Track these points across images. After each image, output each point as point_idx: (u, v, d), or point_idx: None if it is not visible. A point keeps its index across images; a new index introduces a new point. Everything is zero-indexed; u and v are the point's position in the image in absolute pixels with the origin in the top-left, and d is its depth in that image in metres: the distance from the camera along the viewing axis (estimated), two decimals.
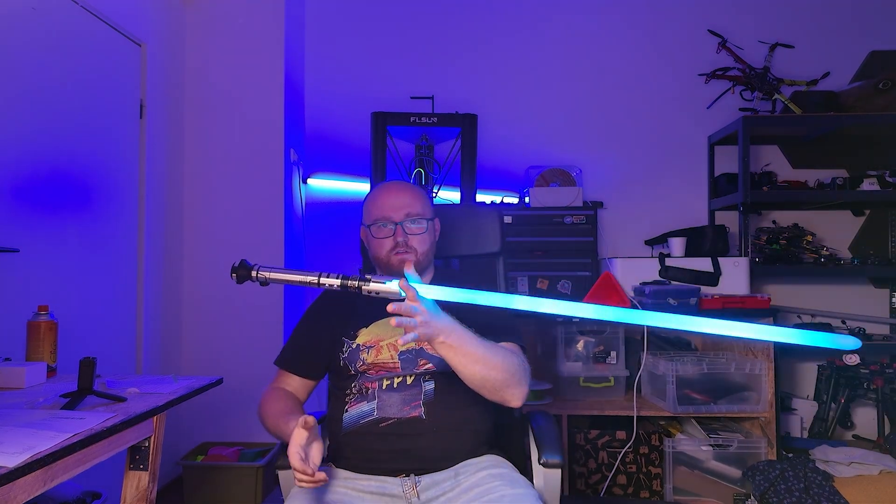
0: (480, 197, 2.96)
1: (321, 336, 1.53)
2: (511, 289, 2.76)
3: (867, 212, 3.11)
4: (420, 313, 1.16)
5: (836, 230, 3.08)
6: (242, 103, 2.85)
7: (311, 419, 1.18)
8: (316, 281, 1.19)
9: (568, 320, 2.58)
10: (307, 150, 3.19)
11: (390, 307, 1.14)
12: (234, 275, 1.19)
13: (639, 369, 2.55)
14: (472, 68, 3.20)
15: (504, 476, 1.32)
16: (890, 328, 2.97)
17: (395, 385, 1.41)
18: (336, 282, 1.19)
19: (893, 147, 3.00)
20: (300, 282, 1.20)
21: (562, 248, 2.84)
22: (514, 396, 1.31)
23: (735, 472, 2.44)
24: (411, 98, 3.04)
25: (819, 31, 3.15)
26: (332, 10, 3.23)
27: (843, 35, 3.14)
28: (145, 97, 2.53)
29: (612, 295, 2.49)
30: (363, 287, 1.18)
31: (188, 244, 2.85)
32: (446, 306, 1.29)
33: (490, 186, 3.09)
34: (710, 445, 2.48)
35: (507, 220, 2.84)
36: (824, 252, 2.89)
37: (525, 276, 2.83)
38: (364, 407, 1.40)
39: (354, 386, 1.44)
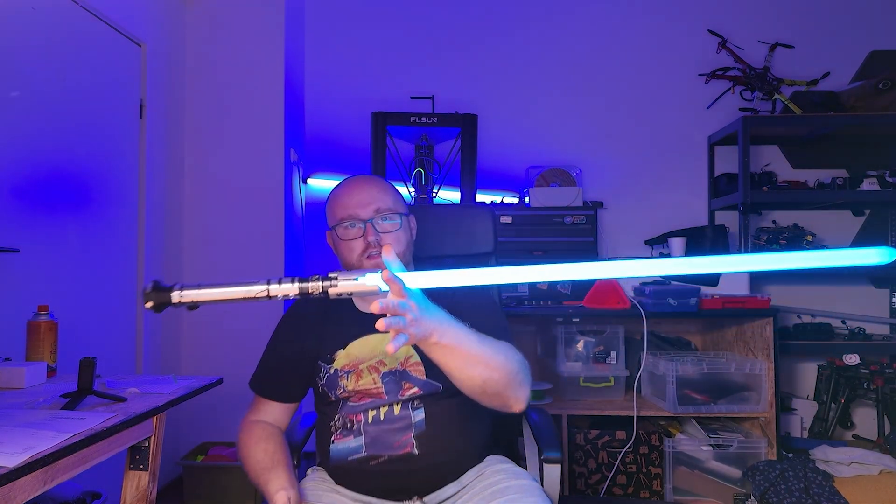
0: (480, 197, 2.96)
1: (294, 360, 1.37)
2: (508, 289, 2.77)
3: (867, 212, 3.11)
4: (409, 309, 0.95)
5: (837, 230, 3.08)
6: (242, 103, 2.85)
7: (292, 499, 1.15)
8: (265, 292, 0.89)
9: (568, 320, 2.58)
10: (307, 150, 3.19)
11: (375, 305, 0.90)
12: (148, 303, 0.91)
13: (639, 369, 2.55)
14: (472, 68, 3.19)
15: (507, 470, 1.29)
16: (890, 328, 2.97)
17: (381, 417, 1.29)
18: (293, 288, 0.90)
19: (893, 147, 3.00)
20: (244, 297, 0.89)
21: (562, 248, 2.84)
22: (518, 399, 1.18)
23: (735, 473, 2.44)
24: (411, 98, 3.04)
25: (819, 31, 3.15)
26: (332, 9, 3.23)
27: (843, 35, 3.14)
28: (145, 97, 2.53)
29: (612, 295, 2.49)
30: (330, 290, 0.90)
31: (188, 244, 2.85)
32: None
33: (490, 186, 3.09)
34: (710, 445, 2.48)
35: (507, 220, 2.84)
36: None
37: None
38: (351, 443, 1.30)
39: (338, 418, 1.32)
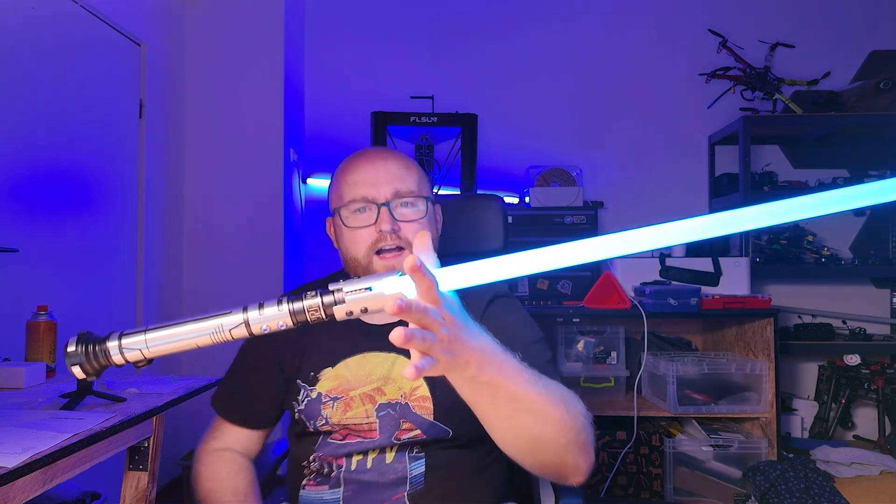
0: None
1: (268, 378, 1.12)
2: (511, 290, 2.76)
3: (868, 212, 3.10)
4: (442, 322, 0.63)
5: (837, 230, 3.08)
6: (242, 103, 2.85)
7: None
8: (242, 326, 0.63)
9: (568, 320, 2.58)
10: (307, 149, 3.19)
11: (393, 304, 0.58)
12: (74, 368, 0.66)
13: (639, 370, 2.54)
14: (472, 68, 3.19)
15: None
16: (891, 328, 2.96)
17: (369, 464, 1.03)
18: (280, 314, 0.63)
19: (894, 147, 3.00)
20: (216, 340, 0.64)
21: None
22: (578, 469, 0.84)
23: (735, 473, 2.44)
24: (411, 98, 3.04)
25: (820, 31, 3.15)
26: (332, 9, 3.22)
27: (844, 35, 3.14)
28: (145, 97, 2.53)
29: (612, 295, 2.49)
30: (336, 311, 0.62)
31: (188, 244, 2.85)
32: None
33: (490, 186, 3.09)
34: (711, 446, 2.47)
35: (507, 219, 2.83)
36: (825, 252, 2.89)
37: (525, 277, 2.82)
38: (326, 495, 1.04)
39: (314, 459, 1.06)
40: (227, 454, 1.12)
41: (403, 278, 0.61)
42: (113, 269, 2.35)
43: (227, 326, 0.63)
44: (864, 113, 2.80)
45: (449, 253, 1.38)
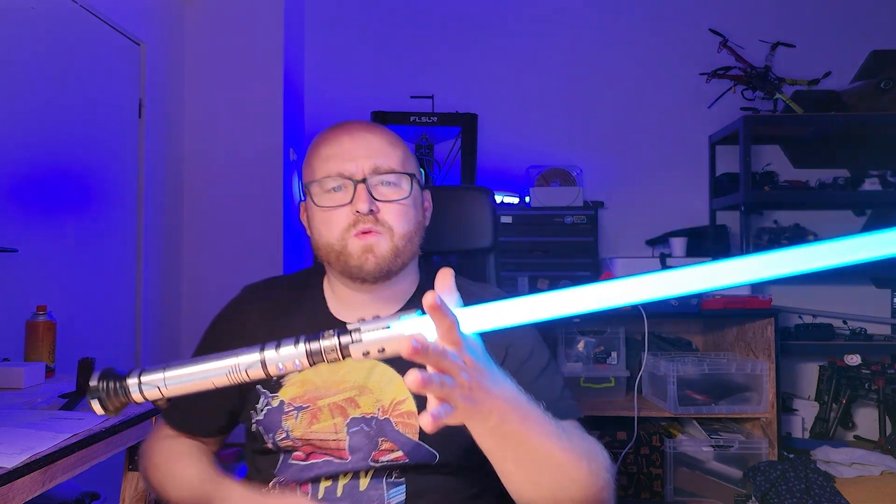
0: None
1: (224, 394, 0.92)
2: (507, 288, 2.76)
3: (869, 211, 3.10)
4: (463, 367, 0.59)
5: (838, 230, 3.06)
6: (242, 103, 2.85)
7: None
8: (259, 366, 0.62)
9: (569, 320, 2.58)
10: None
11: (407, 345, 0.55)
12: (94, 402, 0.63)
13: (639, 370, 2.54)
14: (472, 68, 3.19)
15: None
16: (891, 328, 2.96)
17: (338, 492, 0.89)
18: (297, 353, 0.61)
19: (894, 147, 3.00)
20: (233, 381, 0.63)
21: (562, 248, 2.83)
22: None
23: (736, 473, 2.44)
24: (411, 97, 3.03)
25: (820, 31, 3.14)
26: (332, 9, 3.22)
27: (845, 34, 3.14)
28: (144, 96, 2.52)
29: None
30: (353, 349, 0.60)
31: (187, 244, 2.84)
32: None
33: (490, 186, 3.07)
34: (711, 446, 2.47)
35: (507, 220, 2.83)
36: None
37: (525, 276, 2.82)
38: None
39: (273, 486, 0.92)
40: (176, 440, 1.00)
41: (425, 318, 0.58)
42: (112, 269, 2.35)
43: (243, 366, 0.62)
44: (864, 113, 2.80)
45: (432, 250, 1.29)
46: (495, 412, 0.64)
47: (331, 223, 0.91)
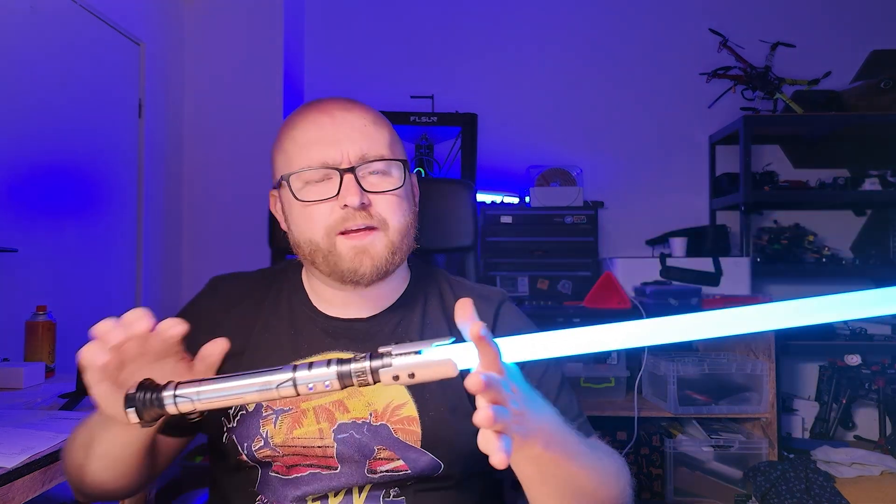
0: (481, 196, 2.96)
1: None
2: (508, 288, 2.76)
3: (868, 212, 3.10)
4: (512, 396, 0.58)
5: (838, 230, 3.07)
6: (241, 102, 2.85)
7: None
8: (290, 385, 0.60)
9: (569, 320, 2.58)
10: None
11: (477, 382, 0.53)
12: (130, 410, 0.63)
13: (639, 370, 2.54)
14: (472, 68, 3.19)
15: None
16: (891, 328, 2.96)
17: None
18: (328, 375, 0.60)
19: (895, 147, 3.00)
20: (264, 398, 0.62)
21: (562, 248, 2.83)
22: None
23: (736, 473, 2.43)
24: (411, 97, 3.03)
25: (820, 31, 3.14)
26: (332, 9, 3.22)
27: (845, 34, 3.14)
28: (144, 96, 2.52)
29: (612, 295, 2.49)
30: (382, 374, 0.59)
31: (187, 243, 2.84)
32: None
33: (490, 186, 3.09)
34: (711, 446, 2.47)
35: (507, 220, 2.83)
36: (826, 252, 2.88)
37: (525, 276, 2.82)
38: None
39: None
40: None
41: (455, 345, 0.57)
42: (112, 269, 2.35)
43: (274, 383, 0.61)
44: (864, 113, 2.80)
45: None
46: (540, 439, 0.62)
47: (314, 219, 0.81)
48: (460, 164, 2.76)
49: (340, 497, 0.80)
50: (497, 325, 0.90)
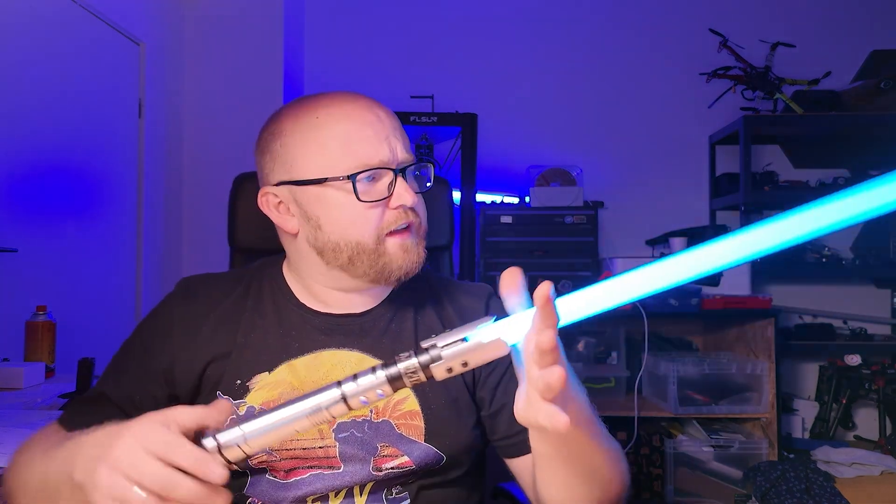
0: (481, 197, 2.96)
1: (164, 387, 0.83)
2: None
3: None
4: (564, 365, 0.54)
5: (838, 230, 3.07)
6: (241, 102, 2.84)
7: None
8: (340, 402, 0.56)
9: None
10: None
11: (548, 339, 0.52)
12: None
13: (640, 370, 2.53)
14: (473, 68, 3.19)
15: None
16: (892, 328, 2.96)
17: None
18: (378, 381, 0.56)
19: (895, 147, 3.00)
20: (315, 421, 0.57)
21: (562, 248, 2.83)
22: None
23: (736, 473, 2.43)
24: (411, 97, 3.03)
25: (820, 31, 3.14)
26: (332, 8, 3.22)
27: (845, 34, 3.14)
28: (144, 96, 2.52)
29: None
30: (435, 370, 0.56)
31: (187, 244, 2.84)
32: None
33: (490, 186, 3.09)
34: (712, 446, 2.47)
35: (507, 220, 2.83)
36: (826, 252, 2.88)
37: (525, 277, 2.82)
38: None
39: None
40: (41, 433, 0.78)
41: (498, 323, 0.55)
42: (112, 269, 2.35)
43: (324, 405, 0.57)
44: (864, 113, 2.80)
45: None
46: (573, 413, 0.59)
47: (368, 220, 0.79)
48: (460, 164, 2.76)
49: (342, 497, 0.80)
50: (488, 314, 0.88)
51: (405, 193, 0.80)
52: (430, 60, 3.19)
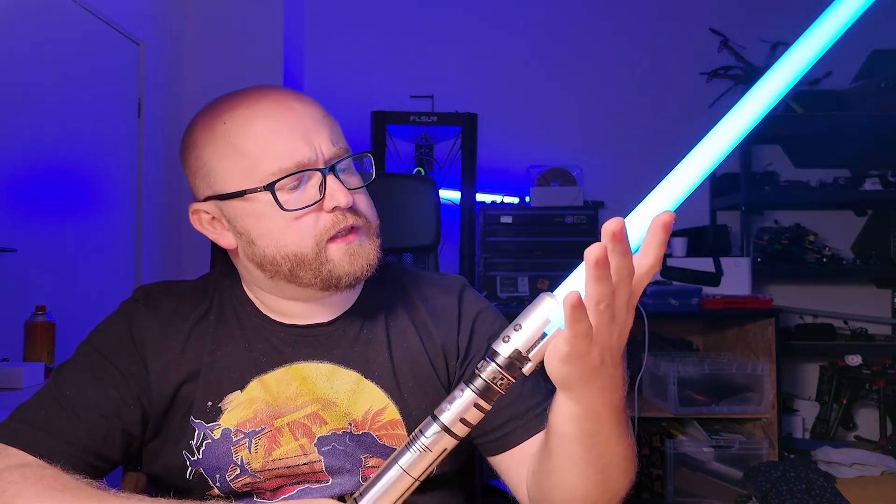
0: (480, 197, 2.96)
1: (125, 413, 0.76)
2: (509, 288, 2.76)
3: (869, 212, 3.10)
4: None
5: (839, 230, 3.07)
6: None
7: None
8: (443, 434, 0.55)
9: None
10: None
11: (666, 220, 0.48)
12: None
13: (640, 370, 2.53)
14: (472, 68, 3.18)
15: None
16: (892, 329, 2.96)
17: None
18: (467, 400, 0.55)
19: (895, 147, 2.99)
20: (423, 462, 0.56)
21: (562, 248, 2.83)
22: None
23: (737, 474, 2.43)
24: (411, 97, 3.03)
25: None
26: (332, 7, 3.22)
27: (845, 34, 3.11)
28: (143, 96, 2.52)
29: None
30: (526, 370, 0.54)
31: (186, 244, 2.84)
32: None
33: (490, 186, 3.08)
34: (712, 447, 2.46)
35: (507, 220, 2.83)
36: (826, 252, 2.88)
37: (525, 276, 2.82)
38: None
39: None
40: (32, 470, 0.68)
41: (556, 295, 0.52)
42: (111, 270, 2.34)
43: (429, 444, 0.55)
44: (864, 113, 2.80)
45: None
46: (618, 383, 0.56)
47: (304, 229, 0.73)
48: (460, 163, 2.76)
49: None
50: (462, 310, 0.86)
51: (338, 193, 0.72)
52: (430, 60, 3.19)
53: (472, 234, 2.72)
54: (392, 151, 2.86)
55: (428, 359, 0.82)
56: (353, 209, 0.74)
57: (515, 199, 3.05)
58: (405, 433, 0.79)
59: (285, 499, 0.76)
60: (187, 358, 0.78)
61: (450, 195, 2.93)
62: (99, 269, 2.25)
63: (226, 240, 0.82)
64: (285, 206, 0.72)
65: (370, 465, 0.78)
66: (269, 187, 0.72)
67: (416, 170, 2.88)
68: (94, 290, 2.22)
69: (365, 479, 0.78)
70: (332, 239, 0.74)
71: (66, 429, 0.74)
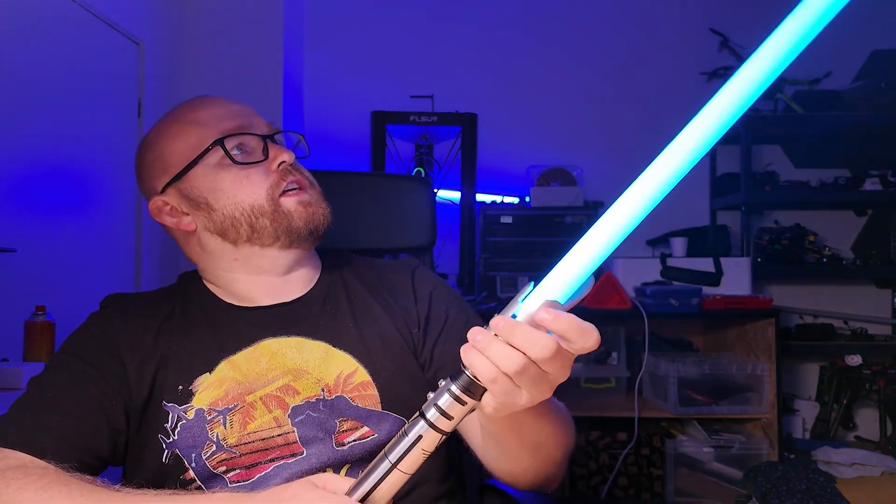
0: (481, 197, 2.96)
1: (101, 402, 0.77)
2: (508, 288, 2.76)
3: (869, 212, 3.10)
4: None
5: (839, 230, 3.07)
6: (241, 102, 2.84)
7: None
8: (430, 429, 0.56)
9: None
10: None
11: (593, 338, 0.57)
12: None
13: (640, 370, 2.53)
14: (473, 68, 3.19)
15: None
16: (892, 329, 2.96)
17: None
18: (453, 393, 0.56)
19: (895, 147, 2.99)
20: (413, 461, 0.57)
21: (562, 248, 2.81)
22: (558, 480, 0.80)
23: (737, 474, 2.43)
24: (411, 97, 3.03)
25: (820, 31, 3.14)
26: (332, 7, 3.22)
27: (845, 34, 3.09)
28: (143, 96, 2.52)
29: (613, 295, 2.48)
30: None
31: None
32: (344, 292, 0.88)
33: (490, 186, 3.09)
34: (712, 447, 2.46)
35: (507, 220, 2.83)
36: (826, 252, 2.88)
37: (525, 276, 2.82)
38: None
39: None
40: (28, 469, 0.69)
41: (537, 289, 0.58)
42: (111, 270, 2.34)
43: (412, 441, 0.56)
44: (864, 113, 2.80)
45: (363, 248, 1.13)
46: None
47: (255, 182, 0.82)
48: (460, 164, 2.76)
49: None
50: (416, 285, 0.93)
51: (281, 152, 0.83)
52: (430, 60, 3.19)
53: (473, 234, 2.72)
54: (392, 151, 2.86)
55: (393, 326, 0.87)
56: (299, 170, 0.85)
57: (515, 200, 3.05)
58: (377, 393, 0.82)
59: (262, 477, 0.77)
60: (159, 349, 0.82)
61: (450, 195, 2.93)
62: (99, 269, 2.25)
63: (185, 223, 0.86)
64: (237, 160, 0.82)
65: (344, 428, 0.80)
66: (219, 142, 0.82)
67: (416, 170, 2.88)
68: (94, 290, 2.21)
69: (339, 444, 0.80)
70: (283, 193, 0.83)
71: (54, 426, 0.75)
